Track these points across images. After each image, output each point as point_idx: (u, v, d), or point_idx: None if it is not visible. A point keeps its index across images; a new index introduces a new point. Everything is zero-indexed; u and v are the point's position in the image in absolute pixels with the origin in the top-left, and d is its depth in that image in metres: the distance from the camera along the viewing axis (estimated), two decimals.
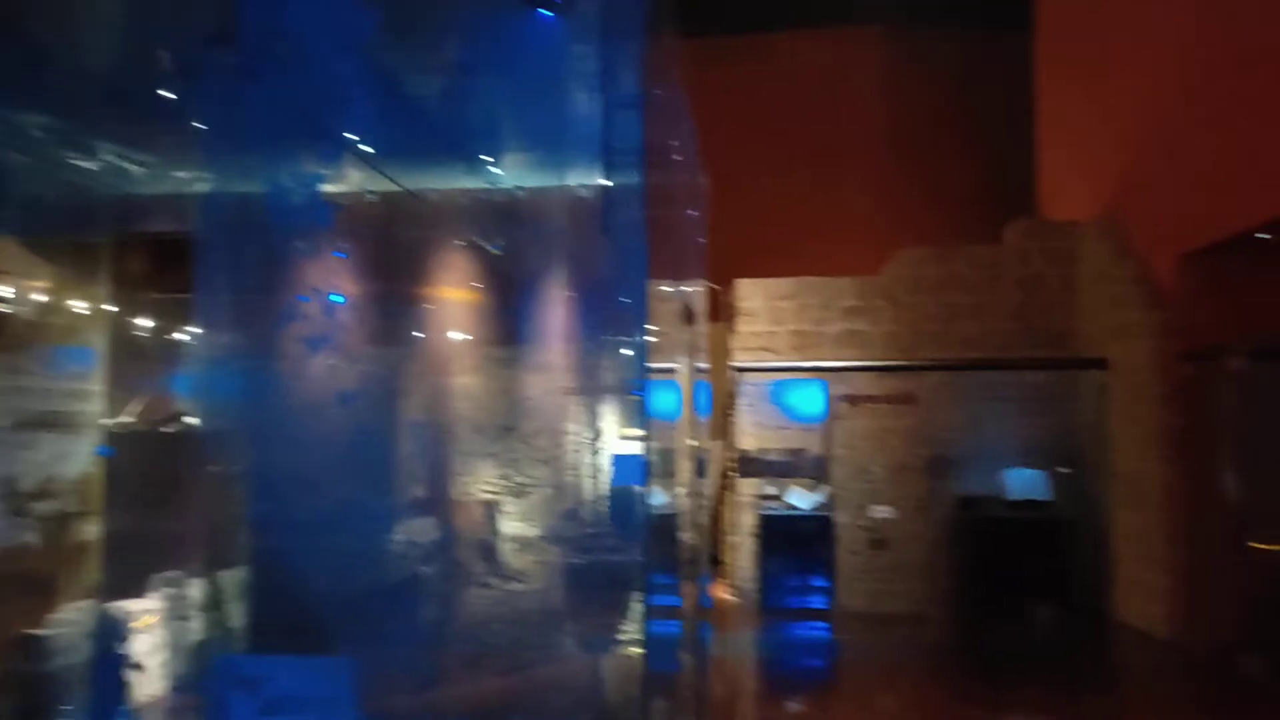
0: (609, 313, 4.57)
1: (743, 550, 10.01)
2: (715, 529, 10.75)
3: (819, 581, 9.85)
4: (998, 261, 10.15)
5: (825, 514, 9.87)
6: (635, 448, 5.70)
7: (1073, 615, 9.17)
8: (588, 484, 6.60)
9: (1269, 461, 7.58)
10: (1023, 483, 9.71)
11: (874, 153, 13.82)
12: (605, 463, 6.52)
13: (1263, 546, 7.52)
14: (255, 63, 2.92)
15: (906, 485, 9.86)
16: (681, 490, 7.10)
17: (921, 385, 9.83)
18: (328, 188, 3.07)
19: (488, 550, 6.75)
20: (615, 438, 6.32)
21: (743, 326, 10.37)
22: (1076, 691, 7.32)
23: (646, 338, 4.51)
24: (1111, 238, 9.49)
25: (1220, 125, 7.91)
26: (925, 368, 9.73)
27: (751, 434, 10.22)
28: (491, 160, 5.01)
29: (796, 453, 10.22)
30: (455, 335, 6.74)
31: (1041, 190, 12.68)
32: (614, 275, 4.33)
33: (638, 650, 5.54)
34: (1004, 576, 9.36)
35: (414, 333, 6.30)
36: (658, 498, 7.07)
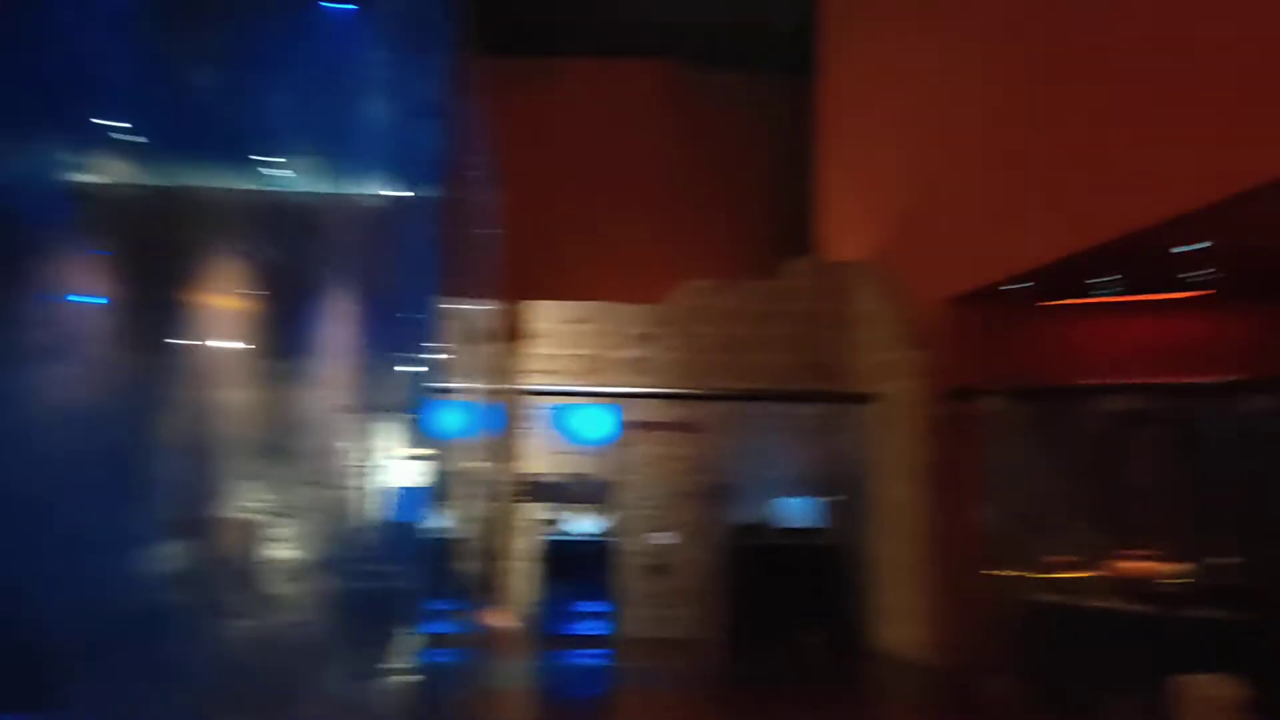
0: (394, 328, 4.36)
1: (525, 576, 9.87)
2: (497, 554, 10.56)
3: (600, 608, 9.84)
4: (779, 296, 10.55)
5: (609, 540, 9.89)
6: (415, 470, 5.47)
7: (839, 639, 9.58)
8: (362, 507, 6.28)
9: (1015, 494, 8.22)
10: (796, 511, 10.09)
11: (664, 184, 14.11)
12: (382, 485, 6.24)
13: (1008, 573, 8.12)
14: None
15: (688, 512, 10.03)
16: (462, 514, 6.90)
17: (705, 414, 10.04)
18: (82, 177, 2.75)
19: (246, 577, 6.29)
20: (394, 459, 6.05)
21: (533, 348, 10.28)
22: (835, 711, 7.66)
23: (433, 355, 4.34)
24: (882, 280, 10.07)
25: (982, 181, 8.57)
26: (709, 397, 9.96)
27: (538, 458, 10.13)
28: (273, 160, 4.70)
29: (582, 478, 10.21)
30: (226, 345, 6.28)
31: (821, 230, 13.32)
32: (402, 290, 4.13)
33: (408, 680, 5.30)
34: (776, 602, 9.66)
35: (179, 341, 5.82)
36: (437, 521, 6.83)
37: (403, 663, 5.20)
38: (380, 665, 5.32)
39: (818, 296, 10.55)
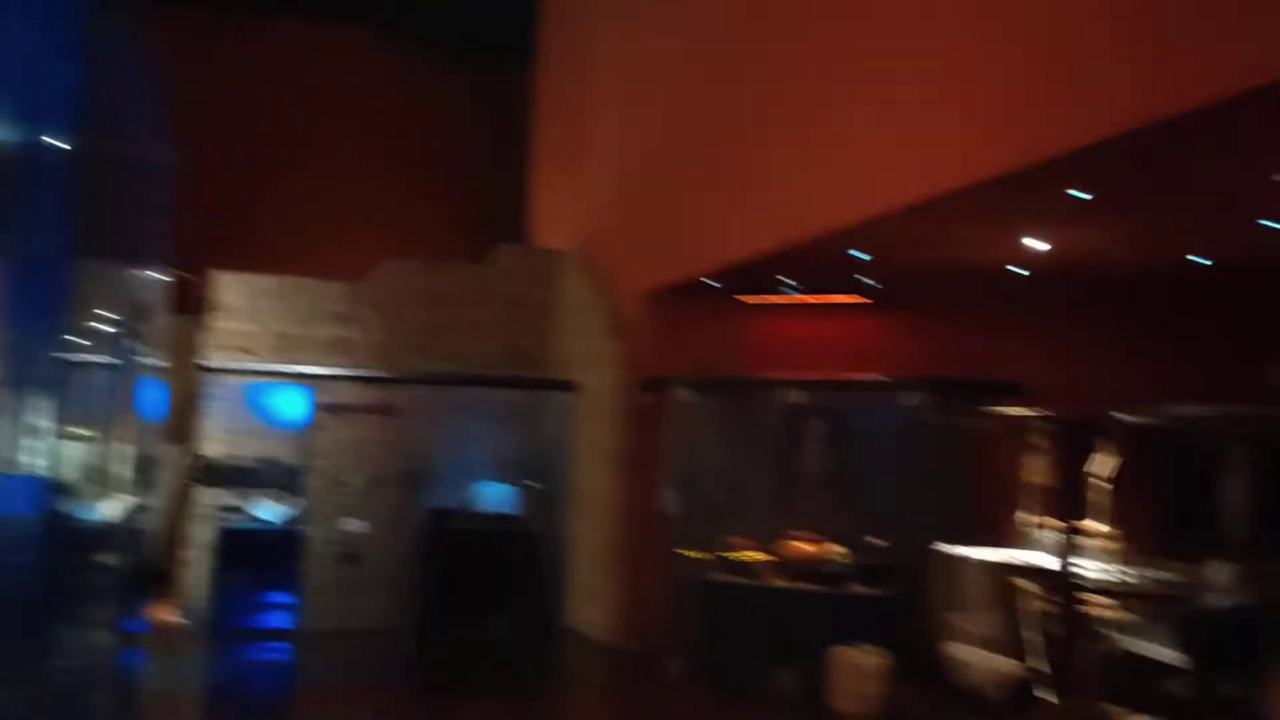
0: (23, 293, 3.86)
1: (197, 567, 9.17)
2: (170, 543, 9.75)
3: (284, 599, 9.34)
4: (485, 281, 10.47)
5: (295, 527, 9.40)
6: (44, 450, 4.88)
7: (533, 624, 9.65)
8: None
9: (701, 481, 8.62)
10: (494, 497, 10.06)
11: (374, 158, 13.62)
12: (21, 469, 5.54)
13: (690, 554, 8.50)
14: None
15: (383, 498, 9.72)
16: (117, 500, 6.27)
17: (404, 397, 9.78)
18: None
19: None
20: (22, 438, 5.38)
21: (220, 322, 9.57)
22: (522, 695, 7.74)
23: (75, 324, 3.88)
24: (587, 270, 10.24)
25: (681, 179, 8.91)
26: (409, 380, 9.71)
27: (219, 439, 9.44)
28: None
29: (269, 462, 9.64)
30: None
31: (532, 217, 13.38)
32: (32, 249, 3.66)
33: (58, 685, 4.75)
34: (472, 588, 9.58)
35: None
36: (81, 509, 6.18)
37: (54, 665, 4.64)
38: (23, 669, 4.72)
39: (524, 283, 10.57)
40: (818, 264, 7.67)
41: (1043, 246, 6.50)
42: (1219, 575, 5.85)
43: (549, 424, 10.42)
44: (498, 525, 9.92)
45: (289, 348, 9.65)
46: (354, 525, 9.53)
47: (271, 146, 13.09)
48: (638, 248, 9.72)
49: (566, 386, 10.06)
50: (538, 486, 10.18)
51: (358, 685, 7.95)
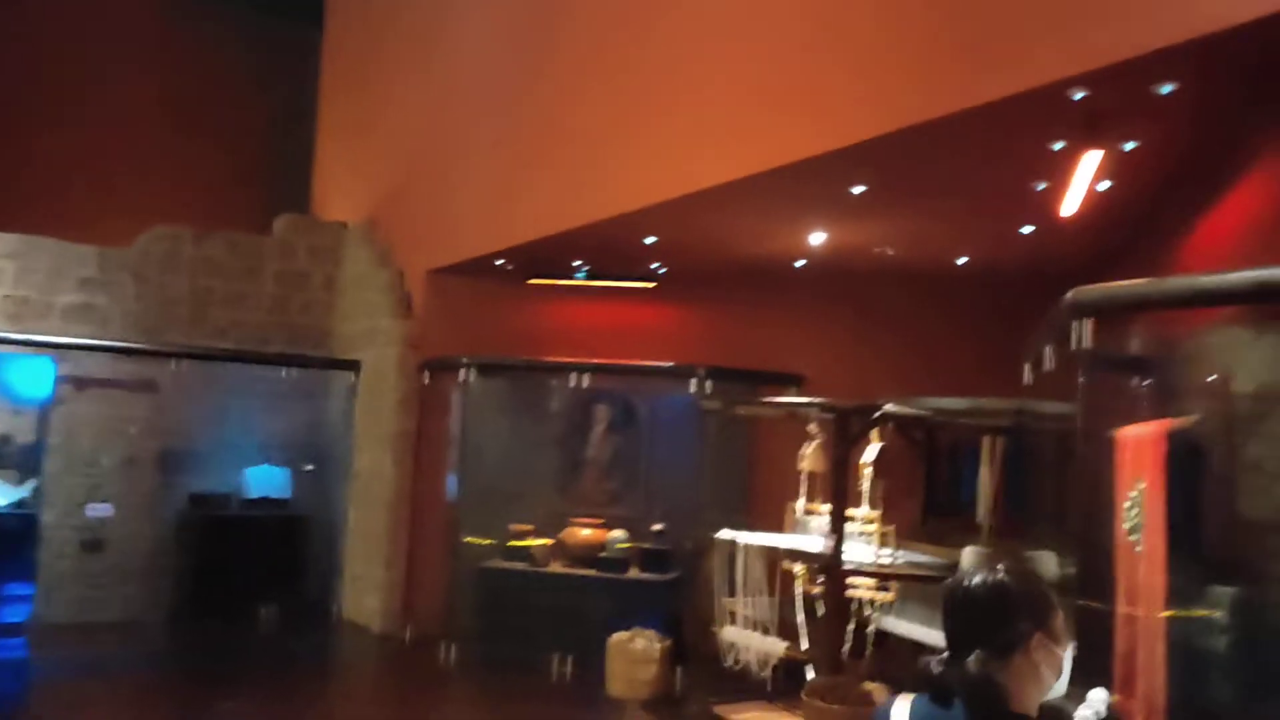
0: None
1: None
2: None
3: (16, 590, 8.45)
4: (262, 253, 9.83)
5: (29, 512, 8.50)
6: None
7: (303, 613, 9.16)
8: None
9: (486, 465, 8.42)
10: (264, 480, 9.47)
11: (144, 117, 12.52)
12: None
13: (471, 540, 8.29)
14: None
15: (137, 480, 8.95)
16: None
17: (164, 372, 9.01)
18: None
19: None
20: None
21: None
22: (285, 688, 7.30)
23: None
24: (371, 245, 9.79)
25: (470, 157, 8.64)
26: (170, 354, 8.95)
27: None
28: None
29: (4, 440, 8.68)
30: None
31: (318, 187, 12.70)
32: None
33: None
34: (236, 576, 8.98)
35: None
36: None
37: None
38: None
39: (304, 256, 10.00)
40: (608, 248, 7.63)
41: (820, 238, 6.69)
42: (970, 558, 6.21)
43: (327, 404, 9.91)
44: (266, 510, 9.34)
45: (28, 315, 8.70)
46: (99, 510, 8.70)
47: (36, 100, 11.79)
48: (425, 223, 9.37)
49: (347, 365, 9.59)
50: (310, 469, 9.66)
51: (98, 682, 7.26)
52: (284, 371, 9.43)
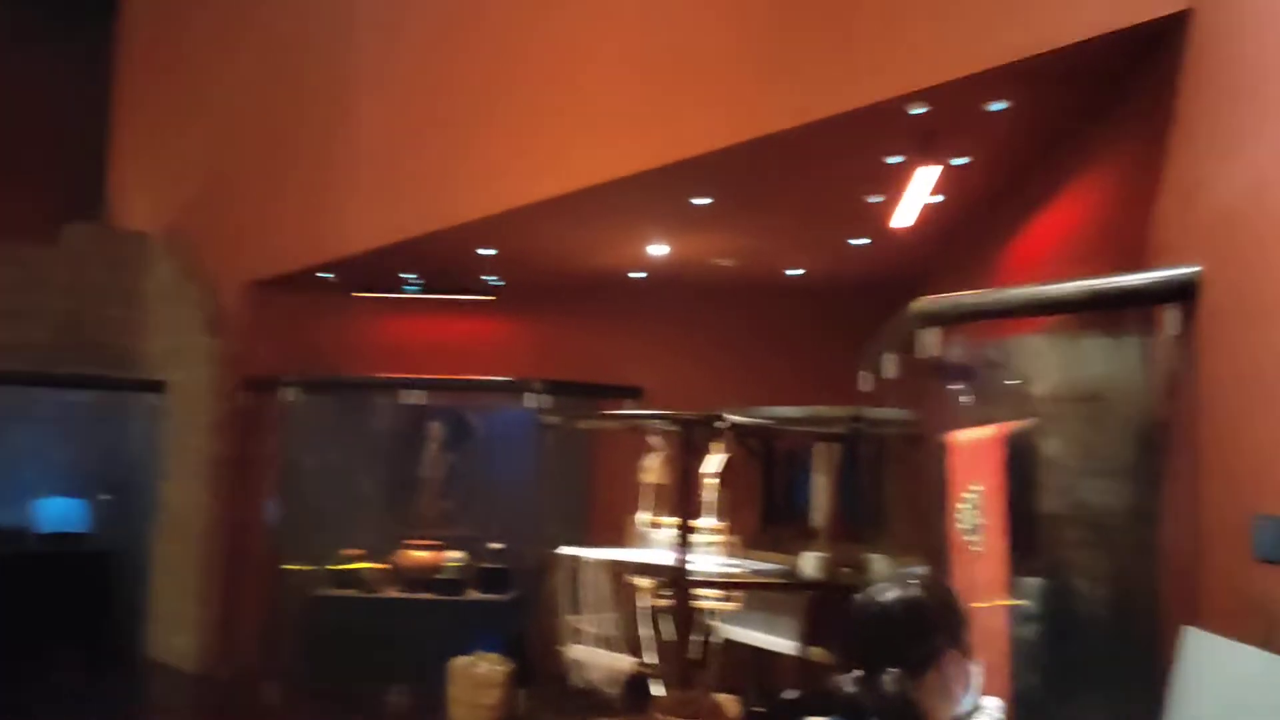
0: None
1: None
2: None
3: None
4: (50, 265, 8.99)
5: None
6: None
7: (106, 656, 8.38)
8: None
9: (311, 488, 7.98)
10: (57, 513, 8.65)
11: None
12: None
13: (299, 569, 7.84)
14: None
15: None
16: None
17: None
18: None
19: None
20: None
21: None
22: None
23: None
24: (178, 256, 9.13)
25: (290, 164, 8.19)
26: None
27: None
28: None
29: None
30: None
31: (112, 192, 11.76)
32: None
33: None
34: (26, 619, 8.11)
35: None
36: None
37: None
38: None
39: (100, 268, 9.21)
40: (442, 260, 7.38)
41: (660, 250, 6.69)
42: (808, 564, 6.33)
43: (131, 429, 9.15)
44: (60, 546, 8.53)
45: None
46: None
47: None
48: (240, 233, 8.81)
49: (153, 386, 8.88)
50: (108, 499, 8.89)
51: None
52: (79, 394, 8.64)
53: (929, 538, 5.48)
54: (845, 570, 6.42)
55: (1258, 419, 2.68)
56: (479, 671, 6.71)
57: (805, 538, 6.93)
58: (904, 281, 7.21)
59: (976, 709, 1.85)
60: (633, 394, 7.99)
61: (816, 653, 6.36)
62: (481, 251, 6.94)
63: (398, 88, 7.17)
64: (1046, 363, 4.15)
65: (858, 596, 1.89)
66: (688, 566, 5.79)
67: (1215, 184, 2.94)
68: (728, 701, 5.37)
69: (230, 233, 8.91)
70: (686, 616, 5.93)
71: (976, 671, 1.85)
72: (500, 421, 8.37)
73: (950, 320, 3.60)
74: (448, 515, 8.43)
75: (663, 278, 7.61)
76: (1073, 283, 3.26)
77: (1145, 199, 3.43)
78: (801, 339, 7.85)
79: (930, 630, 1.78)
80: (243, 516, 8.13)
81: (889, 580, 1.89)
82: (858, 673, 1.79)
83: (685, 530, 5.88)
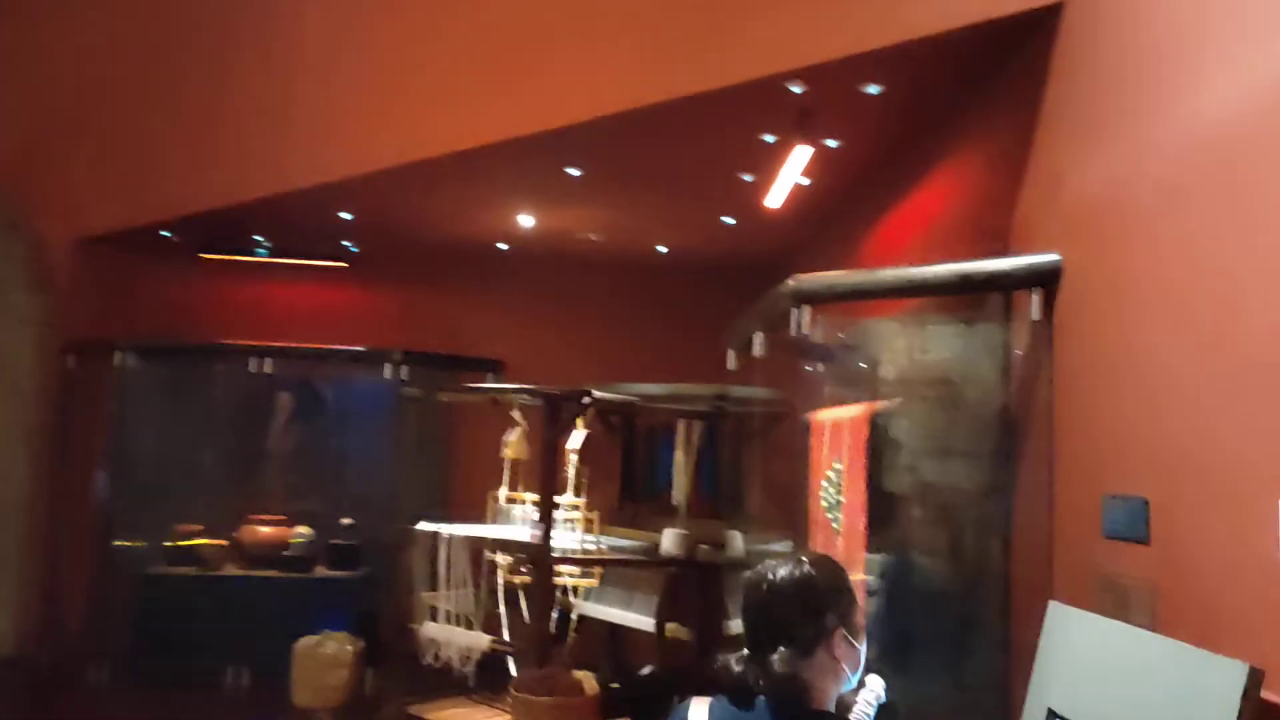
0: None
1: None
2: None
3: None
4: None
5: None
6: None
7: None
8: None
9: (143, 462, 7.50)
10: None
11: None
12: None
13: (131, 546, 7.38)
14: None
15: None
16: None
17: None
18: None
19: None
20: None
21: None
22: None
23: None
24: (1, 210, 8.39)
25: (131, 116, 7.63)
26: None
27: None
28: None
29: None
30: None
31: None
32: None
33: None
34: None
35: None
36: None
37: None
38: None
39: None
40: (296, 222, 7.02)
41: (528, 221, 6.56)
42: (669, 541, 6.35)
43: None
44: None
45: None
46: None
47: None
48: (71, 186, 8.15)
49: None
50: None
51: None
52: None
53: (790, 515, 5.59)
54: (705, 547, 6.50)
55: (1107, 404, 2.79)
56: (325, 651, 6.47)
57: (664, 514, 6.96)
58: (769, 261, 7.32)
59: (861, 687, 1.84)
60: (494, 367, 7.84)
61: (674, 629, 6.41)
62: (341, 215, 6.64)
63: (246, 38, 6.76)
64: (906, 345, 4.26)
65: (746, 574, 1.85)
66: (545, 544, 5.71)
67: (1077, 174, 3.04)
68: (585, 678, 5.34)
69: (60, 185, 8.22)
70: (546, 593, 5.85)
71: (862, 650, 1.84)
72: (354, 393, 8.08)
73: (823, 299, 3.63)
74: (295, 490, 8.09)
75: (529, 250, 7.47)
76: (943, 266, 3.32)
77: (1011, 186, 3.53)
78: (667, 317, 7.86)
79: (821, 609, 1.76)
80: (69, 490, 7.57)
81: (777, 559, 1.86)
82: (744, 651, 1.75)
83: (549, 507, 5.79)
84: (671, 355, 7.64)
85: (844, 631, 1.77)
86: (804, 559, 1.83)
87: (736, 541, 6.25)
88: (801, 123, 4.25)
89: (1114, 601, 2.66)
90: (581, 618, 6.65)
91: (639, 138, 4.87)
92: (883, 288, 3.44)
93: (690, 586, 6.47)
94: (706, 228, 6.41)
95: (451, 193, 6.06)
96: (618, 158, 5.19)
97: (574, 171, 5.28)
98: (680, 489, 7.01)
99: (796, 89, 3.95)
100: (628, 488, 7.55)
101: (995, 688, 3.38)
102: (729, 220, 6.18)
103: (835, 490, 4.70)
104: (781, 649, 1.70)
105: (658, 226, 6.64)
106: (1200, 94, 2.44)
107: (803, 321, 3.65)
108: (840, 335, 4.06)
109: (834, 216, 5.74)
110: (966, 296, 3.65)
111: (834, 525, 4.71)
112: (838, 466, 4.66)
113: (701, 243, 7.02)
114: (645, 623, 6.57)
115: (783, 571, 1.80)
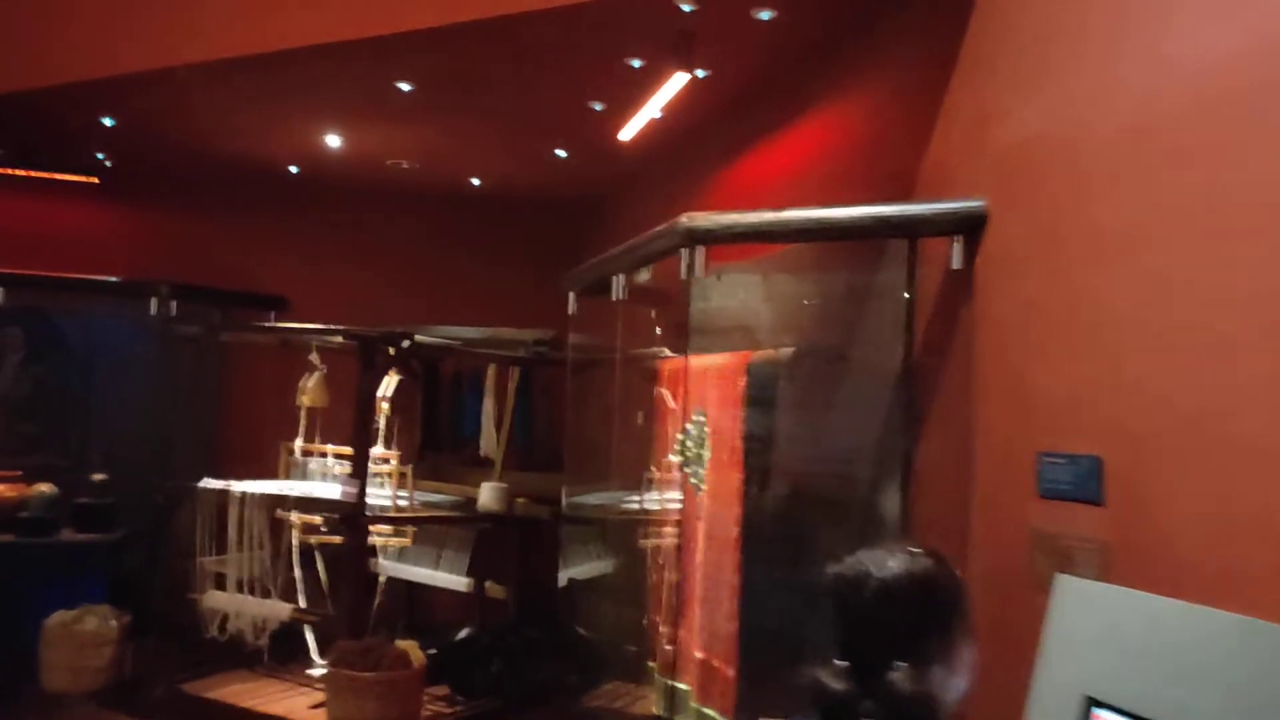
0: None
1: None
2: None
3: None
4: None
5: None
6: None
7: None
8: None
9: None
10: None
11: None
12: None
13: None
14: None
15: None
16: None
17: None
18: None
19: None
20: None
21: None
22: None
23: None
24: None
25: None
26: None
27: None
28: None
29: None
30: None
31: None
32: None
33: None
34: None
35: None
36: None
37: None
38: None
39: None
40: (42, 125, 5.90)
41: (334, 142, 5.84)
42: (488, 495, 5.95)
43: None
44: None
45: None
46: None
47: None
48: None
49: None
50: None
51: None
52: None
53: (619, 467, 5.32)
54: (522, 500, 6.15)
55: (1044, 360, 2.70)
56: (84, 628, 5.59)
57: (469, 466, 6.53)
58: (591, 199, 6.96)
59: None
60: (277, 305, 7.06)
61: (492, 588, 6.04)
62: (102, 121, 5.62)
63: None
64: (786, 292, 4.08)
65: (841, 569, 1.50)
66: (349, 500, 5.15)
67: (1011, 117, 2.91)
68: (410, 648, 4.87)
69: None
70: (360, 556, 5.31)
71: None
72: (107, 330, 7.01)
73: (719, 240, 3.35)
74: (32, 441, 6.95)
75: (325, 176, 6.71)
76: (859, 208, 3.12)
77: (917, 127, 3.38)
78: (475, 255, 7.34)
79: (948, 613, 1.45)
80: None
81: (875, 548, 1.51)
82: (839, 663, 1.42)
83: (362, 460, 5.23)
84: (481, 296, 7.17)
85: (967, 636, 1.49)
86: (916, 550, 1.50)
87: (490, 495, 5.93)
88: (680, 47, 3.92)
89: (1054, 564, 2.58)
90: (386, 580, 6.14)
91: (488, 53, 4.35)
92: (789, 229, 3.19)
93: (507, 542, 6.12)
94: (535, 160, 5.95)
95: (249, 103, 5.24)
96: (459, 75, 4.62)
97: (405, 86, 4.67)
98: (490, 439, 6.61)
99: (687, 7, 3.60)
100: (429, 438, 7.04)
101: None
102: (561, 153, 5.75)
103: (696, 444, 4.47)
104: (903, 663, 1.37)
105: (481, 156, 6.09)
106: (1162, 35, 2.34)
107: (696, 264, 3.35)
108: (715, 278, 3.78)
109: (676, 154, 5.44)
110: (854, 243, 3.48)
111: (693, 480, 4.48)
112: (699, 419, 4.43)
113: (523, 177, 6.55)
114: (457, 582, 6.17)
115: (895, 566, 1.46)
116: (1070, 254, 2.62)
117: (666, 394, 4.89)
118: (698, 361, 4.35)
